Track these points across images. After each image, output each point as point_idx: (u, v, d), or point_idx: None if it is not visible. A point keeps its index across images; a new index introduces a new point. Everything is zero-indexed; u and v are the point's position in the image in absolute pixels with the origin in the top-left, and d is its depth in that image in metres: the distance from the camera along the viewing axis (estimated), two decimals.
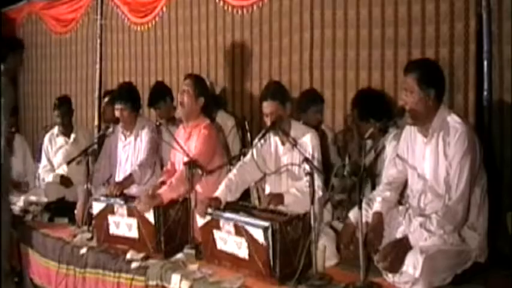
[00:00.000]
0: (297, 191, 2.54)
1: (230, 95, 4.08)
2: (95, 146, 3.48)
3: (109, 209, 2.81)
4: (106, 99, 4.03)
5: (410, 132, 2.36)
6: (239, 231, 2.30)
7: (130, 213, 2.72)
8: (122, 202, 2.78)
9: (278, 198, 2.54)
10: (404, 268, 2.06)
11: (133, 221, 2.71)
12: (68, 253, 2.94)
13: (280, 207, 2.51)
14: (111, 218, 2.81)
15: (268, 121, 2.63)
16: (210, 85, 3.70)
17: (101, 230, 2.87)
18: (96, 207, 2.88)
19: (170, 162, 3.18)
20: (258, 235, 2.22)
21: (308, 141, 2.64)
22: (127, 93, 3.29)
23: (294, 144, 2.52)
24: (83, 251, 2.86)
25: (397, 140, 2.50)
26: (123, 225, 2.77)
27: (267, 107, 2.62)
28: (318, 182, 2.40)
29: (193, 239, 2.63)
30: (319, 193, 2.45)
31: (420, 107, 2.20)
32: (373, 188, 2.66)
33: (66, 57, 5.64)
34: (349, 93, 3.34)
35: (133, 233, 2.73)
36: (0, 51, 3.12)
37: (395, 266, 2.10)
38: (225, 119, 3.73)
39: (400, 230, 2.28)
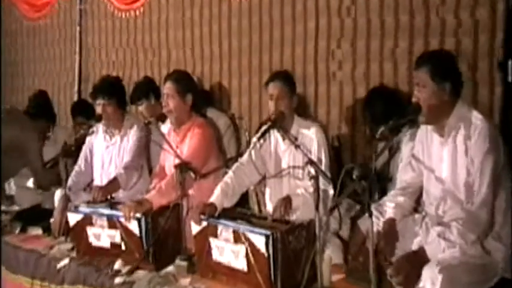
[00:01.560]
0: (305, 192, 2.56)
1: (226, 90, 4.10)
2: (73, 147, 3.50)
3: (87, 221, 2.81)
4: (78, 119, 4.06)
5: (425, 132, 2.38)
6: (239, 238, 2.32)
7: (111, 225, 2.72)
8: (101, 212, 2.77)
9: (287, 201, 2.54)
10: (421, 284, 2.07)
11: (116, 233, 2.72)
12: (44, 267, 2.93)
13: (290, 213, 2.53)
14: (90, 230, 2.80)
15: (272, 106, 2.66)
16: (197, 80, 3.73)
17: (80, 242, 2.88)
18: (72, 218, 2.86)
19: (159, 166, 3.20)
20: (259, 244, 2.24)
21: (313, 136, 2.68)
22: (111, 87, 3.30)
23: (297, 145, 2.55)
24: (62, 264, 2.86)
25: (414, 141, 2.52)
26: (104, 237, 2.77)
27: (275, 87, 2.68)
28: (324, 180, 2.43)
29: (186, 249, 2.64)
30: (329, 192, 2.47)
31: (435, 102, 2.22)
32: (385, 194, 2.68)
33: (40, 47, 5.64)
34: (359, 89, 3.37)
35: (118, 244, 2.73)
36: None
37: (411, 281, 2.10)
38: (216, 117, 3.76)
39: (416, 241, 2.28)
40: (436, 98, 2.22)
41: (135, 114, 3.81)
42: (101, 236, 2.79)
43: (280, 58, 3.79)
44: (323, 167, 2.57)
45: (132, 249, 2.70)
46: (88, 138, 3.45)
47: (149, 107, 3.75)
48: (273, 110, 2.68)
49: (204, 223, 2.47)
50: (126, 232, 2.69)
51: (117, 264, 2.70)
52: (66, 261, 2.87)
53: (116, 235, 2.73)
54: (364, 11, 3.35)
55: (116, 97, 3.27)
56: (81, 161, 3.46)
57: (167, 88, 3.00)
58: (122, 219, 2.68)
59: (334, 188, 2.46)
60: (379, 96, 2.95)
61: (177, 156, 2.78)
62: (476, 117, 2.21)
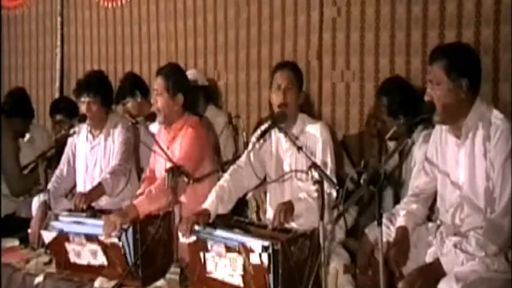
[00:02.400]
0: (308, 196, 2.56)
1: (222, 87, 4.11)
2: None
3: (63, 238, 2.78)
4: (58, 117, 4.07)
5: (439, 133, 2.38)
6: (233, 252, 2.31)
7: (90, 240, 2.70)
8: (77, 232, 2.75)
9: (288, 206, 2.52)
10: None
11: (98, 247, 2.70)
12: (19, 283, 2.91)
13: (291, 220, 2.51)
14: (69, 246, 2.79)
15: (280, 97, 2.66)
16: (194, 75, 3.74)
17: (60, 257, 2.86)
18: (47, 236, 2.84)
19: (149, 169, 3.20)
20: (256, 257, 2.23)
21: (318, 134, 2.68)
22: (97, 83, 3.29)
23: (299, 147, 2.54)
24: (39, 279, 2.84)
25: (428, 143, 2.52)
26: (85, 253, 2.76)
27: (283, 77, 2.68)
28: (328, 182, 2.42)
29: (178, 260, 2.63)
30: (333, 195, 2.47)
31: (450, 101, 2.21)
32: (397, 201, 2.68)
33: (17, 39, 5.64)
34: (367, 85, 3.38)
35: (100, 260, 2.73)
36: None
37: None
38: (214, 115, 3.76)
39: (430, 252, 2.30)
40: (452, 96, 2.21)
41: (120, 113, 3.81)
42: (81, 252, 2.77)
43: (281, 51, 3.80)
44: (328, 171, 2.57)
45: (117, 263, 2.68)
46: (70, 139, 3.44)
47: (135, 105, 3.77)
48: (280, 102, 2.67)
49: (193, 237, 2.45)
50: (110, 245, 2.67)
51: (97, 282, 2.68)
52: (40, 278, 2.85)
53: (98, 249, 2.71)
54: (373, 1, 3.36)
55: (101, 94, 3.27)
56: (63, 164, 3.45)
57: (157, 84, 3.02)
58: (101, 238, 2.65)
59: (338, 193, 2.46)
60: (395, 85, 2.94)
61: (169, 159, 2.78)
62: (497, 116, 2.21)
